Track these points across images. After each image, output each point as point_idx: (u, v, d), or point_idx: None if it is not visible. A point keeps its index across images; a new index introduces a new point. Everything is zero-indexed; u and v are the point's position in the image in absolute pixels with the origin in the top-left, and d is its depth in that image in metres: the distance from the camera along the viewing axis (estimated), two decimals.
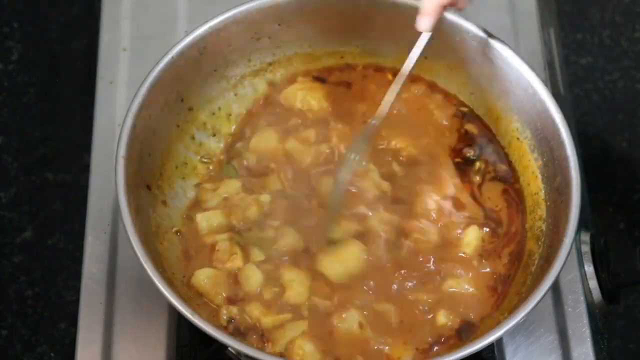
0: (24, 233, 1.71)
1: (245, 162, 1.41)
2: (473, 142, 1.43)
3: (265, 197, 1.37)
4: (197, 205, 1.38)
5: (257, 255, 1.33)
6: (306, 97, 1.44)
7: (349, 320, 1.29)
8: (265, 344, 1.28)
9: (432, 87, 1.47)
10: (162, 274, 1.24)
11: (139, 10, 1.65)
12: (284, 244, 1.34)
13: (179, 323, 1.40)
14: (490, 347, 1.39)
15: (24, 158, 1.77)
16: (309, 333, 1.29)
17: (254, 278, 1.32)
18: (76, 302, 1.43)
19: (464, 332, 1.30)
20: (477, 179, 1.40)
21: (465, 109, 1.45)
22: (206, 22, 1.39)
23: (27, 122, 1.80)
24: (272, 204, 1.37)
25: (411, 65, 1.34)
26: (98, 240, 1.46)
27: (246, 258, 1.33)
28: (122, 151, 1.29)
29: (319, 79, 1.47)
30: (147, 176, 1.36)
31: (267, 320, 1.29)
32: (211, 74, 1.43)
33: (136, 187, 1.31)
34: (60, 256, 1.69)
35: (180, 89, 1.40)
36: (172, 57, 1.36)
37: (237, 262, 1.33)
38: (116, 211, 1.45)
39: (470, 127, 1.44)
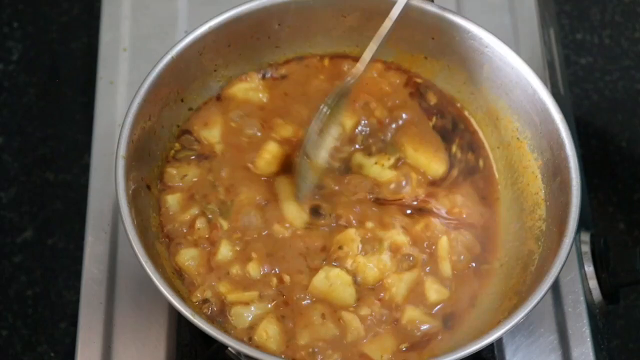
0: (24, 233, 1.71)
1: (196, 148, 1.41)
2: (440, 113, 1.44)
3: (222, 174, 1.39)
4: (165, 188, 1.38)
5: (224, 224, 1.35)
6: (251, 93, 1.44)
7: (312, 310, 1.30)
8: (228, 322, 1.29)
9: (388, 66, 1.47)
10: (162, 274, 1.24)
11: (139, 10, 1.65)
12: (240, 199, 1.35)
13: (179, 323, 1.40)
14: (490, 347, 1.39)
15: (24, 158, 1.77)
16: (275, 315, 1.30)
17: (222, 249, 1.33)
18: (76, 302, 1.43)
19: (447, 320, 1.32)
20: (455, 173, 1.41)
21: (420, 80, 1.46)
22: (206, 22, 1.39)
23: (27, 122, 1.80)
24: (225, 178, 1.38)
25: (390, 23, 1.33)
26: (98, 240, 1.46)
27: (216, 228, 1.35)
28: (122, 151, 1.29)
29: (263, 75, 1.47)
30: (147, 176, 1.36)
31: (233, 297, 1.30)
32: (211, 74, 1.43)
33: (136, 187, 1.31)
34: (60, 256, 1.69)
35: (180, 89, 1.40)
36: (172, 57, 1.36)
37: (220, 233, 1.34)
38: (116, 211, 1.45)
39: (430, 96, 1.45)
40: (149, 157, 1.36)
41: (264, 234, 1.35)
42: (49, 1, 1.90)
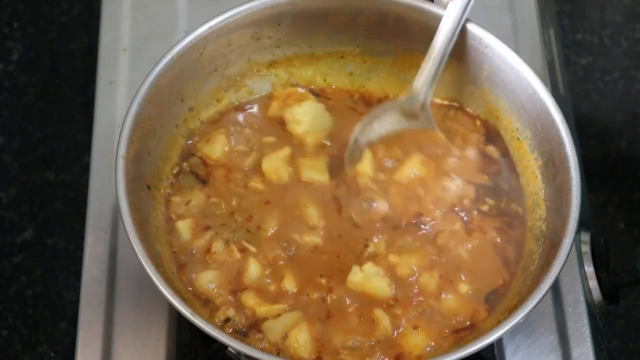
0: (24, 233, 1.71)
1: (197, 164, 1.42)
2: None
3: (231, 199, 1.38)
4: (172, 218, 1.37)
5: (250, 247, 1.34)
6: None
7: (348, 312, 1.31)
8: (259, 336, 1.29)
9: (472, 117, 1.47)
10: (162, 274, 1.24)
11: (139, 10, 1.65)
12: (268, 227, 1.35)
13: (179, 323, 1.40)
14: (490, 347, 1.39)
15: (24, 158, 1.77)
16: (305, 323, 1.29)
17: (252, 269, 1.32)
18: (76, 302, 1.43)
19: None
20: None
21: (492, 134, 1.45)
22: (206, 22, 1.39)
23: (27, 122, 1.80)
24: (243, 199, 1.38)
25: (439, 43, 1.35)
26: (98, 240, 1.46)
27: (241, 251, 1.34)
28: (122, 151, 1.29)
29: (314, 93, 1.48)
30: (147, 176, 1.36)
31: (262, 310, 1.30)
32: (211, 74, 1.43)
33: (136, 187, 1.31)
34: (60, 256, 1.69)
35: (180, 89, 1.40)
36: (172, 57, 1.36)
37: (236, 255, 1.33)
38: (116, 211, 1.45)
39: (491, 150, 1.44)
40: (149, 157, 1.36)
41: (293, 249, 1.35)
42: (49, 1, 1.90)
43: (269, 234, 1.35)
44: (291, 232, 1.36)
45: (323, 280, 1.32)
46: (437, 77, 1.38)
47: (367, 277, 1.31)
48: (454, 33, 1.36)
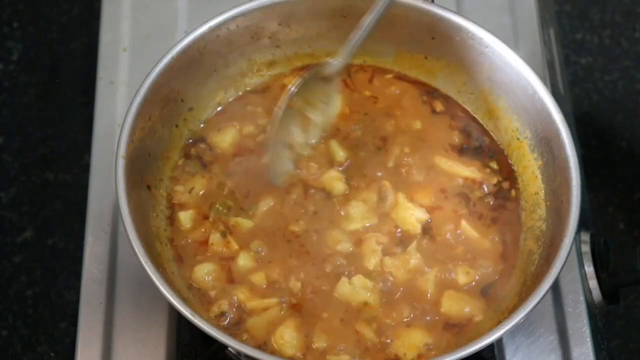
0: (24, 233, 1.72)
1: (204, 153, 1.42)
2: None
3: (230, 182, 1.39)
4: (174, 206, 1.38)
5: (246, 222, 1.35)
6: None
7: (331, 315, 1.30)
8: (246, 333, 1.29)
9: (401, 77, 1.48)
10: (162, 274, 1.24)
11: (139, 10, 1.65)
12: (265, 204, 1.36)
13: (179, 323, 1.40)
14: (490, 347, 1.39)
15: (24, 158, 1.78)
16: (292, 320, 1.29)
17: (243, 262, 1.33)
18: (76, 302, 1.43)
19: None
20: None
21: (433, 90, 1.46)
22: (206, 22, 1.39)
23: (27, 122, 1.80)
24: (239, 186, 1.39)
25: (369, 20, 1.34)
26: (98, 240, 1.46)
27: (238, 244, 1.34)
28: (122, 151, 1.29)
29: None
30: (147, 176, 1.36)
31: (252, 304, 1.30)
32: (211, 74, 1.43)
33: (136, 187, 1.31)
34: (60, 256, 1.70)
35: (180, 89, 1.40)
36: (172, 57, 1.36)
37: (233, 246, 1.34)
38: (116, 211, 1.45)
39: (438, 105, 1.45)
40: (149, 157, 1.36)
41: (283, 237, 1.35)
42: (49, 1, 1.91)
43: (262, 212, 1.36)
44: (285, 216, 1.36)
45: (311, 279, 1.32)
46: (356, 49, 1.36)
47: (355, 290, 1.31)
48: (386, 8, 1.34)
